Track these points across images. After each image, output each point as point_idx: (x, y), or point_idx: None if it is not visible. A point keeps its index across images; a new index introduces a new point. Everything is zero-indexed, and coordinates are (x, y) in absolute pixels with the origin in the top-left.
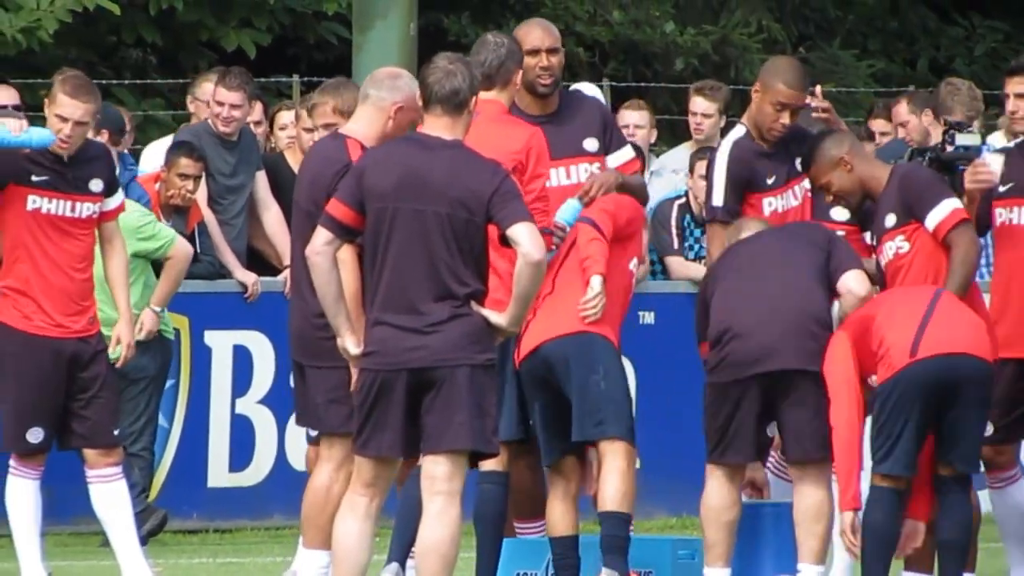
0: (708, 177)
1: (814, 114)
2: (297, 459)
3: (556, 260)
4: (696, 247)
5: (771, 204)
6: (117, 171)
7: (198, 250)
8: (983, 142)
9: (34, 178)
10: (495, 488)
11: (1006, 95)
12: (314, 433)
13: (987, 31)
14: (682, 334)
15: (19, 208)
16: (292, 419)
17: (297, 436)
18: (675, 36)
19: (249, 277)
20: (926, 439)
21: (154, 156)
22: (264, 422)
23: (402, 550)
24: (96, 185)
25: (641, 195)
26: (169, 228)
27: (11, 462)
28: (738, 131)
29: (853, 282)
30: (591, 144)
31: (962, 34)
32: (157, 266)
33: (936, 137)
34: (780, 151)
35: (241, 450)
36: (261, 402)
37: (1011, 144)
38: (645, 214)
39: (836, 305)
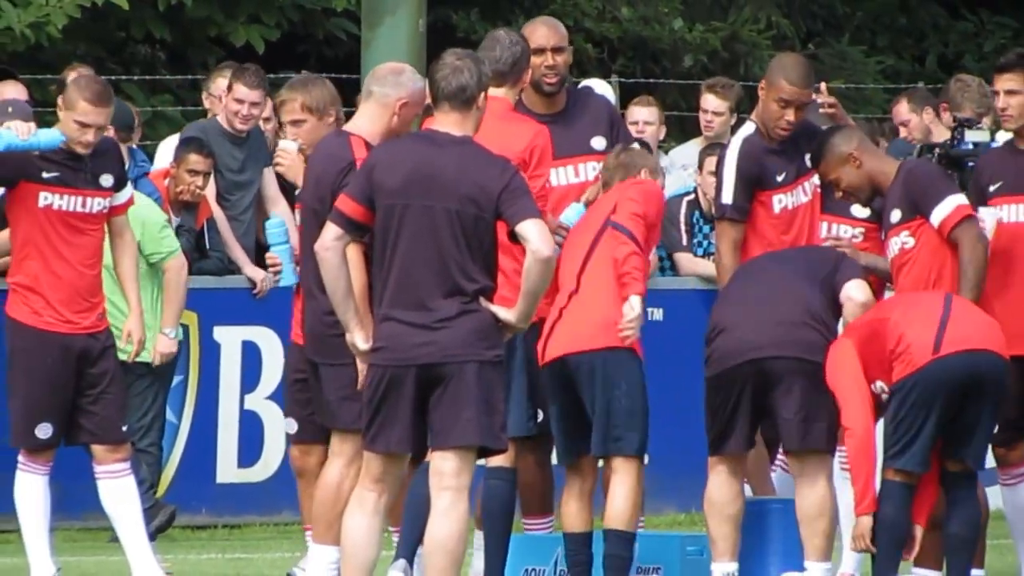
0: (718, 174)
1: (821, 110)
2: None
3: (578, 257)
4: (705, 243)
5: (781, 201)
6: (126, 165)
7: (207, 246)
8: (992, 139)
9: (45, 175)
10: (502, 484)
11: (995, 92)
12: (292, 431)
13: (996, 27)
14: (690, 330)
15: (30, 205)
16: None
17: None
18: (684, 32)
19: (258, 273)
20: (940, 436)
21: (168, 152)
22: (273, 418)
23: (410, 547)
24: (107, 180)
25: None
26: (175, 240)
27: (20, 458)
28: (748, 128)
29: (854, 290)
30: (599, 142)
31: (971, 30)
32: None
33: (938, 135)
34: (790, 148)
35: (250, 446)
36: (270, 398)
37: (1000, 142)
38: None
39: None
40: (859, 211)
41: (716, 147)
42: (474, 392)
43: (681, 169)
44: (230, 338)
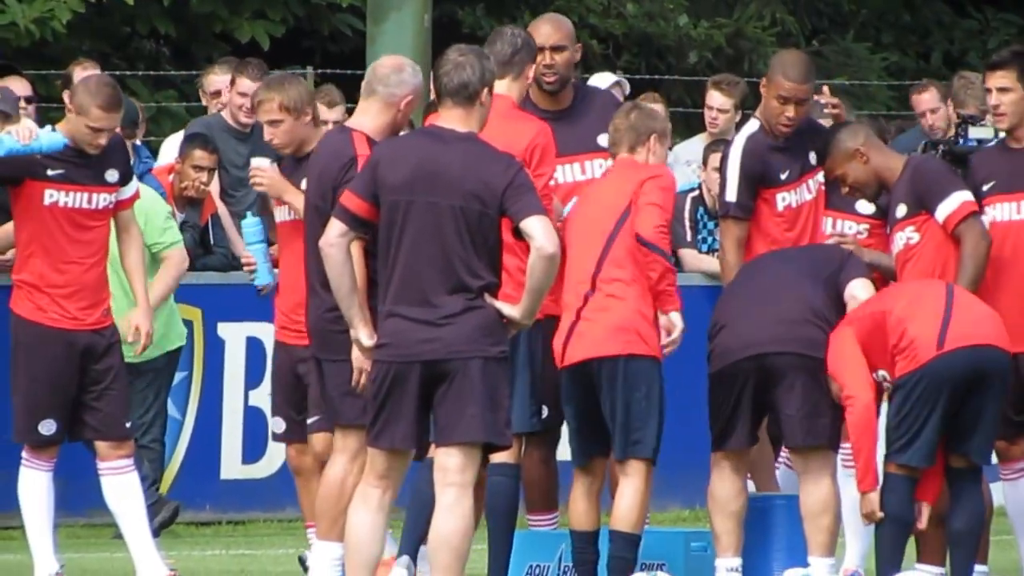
0: (722, 172)
1: (825, 110)
2: None
3: (592, 254)
4: (710, 240)
5: (784, 199)
6: (132, 160)
7: (212, 242)
8: (996, 135)
9: (50, 172)
10: (507, 480)
11: (988, 89)
12: (280, 430)
13: (1001, 24)
14: (695, 327)
15: (36, 203)
16: None
17: None
18: (689, 29)
19: None
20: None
21: (172, 149)
22: None
23: (413, 543)
24: (112, 175)
25: None
26: (178, 233)
27: (24, 454)
28: (752, 125)
29: (858, 289)
30: (605, 140)
31: (976, 27)
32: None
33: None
34: (795, 145)
35: (254, 442)
36: None
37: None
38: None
39: None
40: (864, 207)
41: (721, 143)
42: (479, 388)
43: (685, 165)
44: (234, 334)
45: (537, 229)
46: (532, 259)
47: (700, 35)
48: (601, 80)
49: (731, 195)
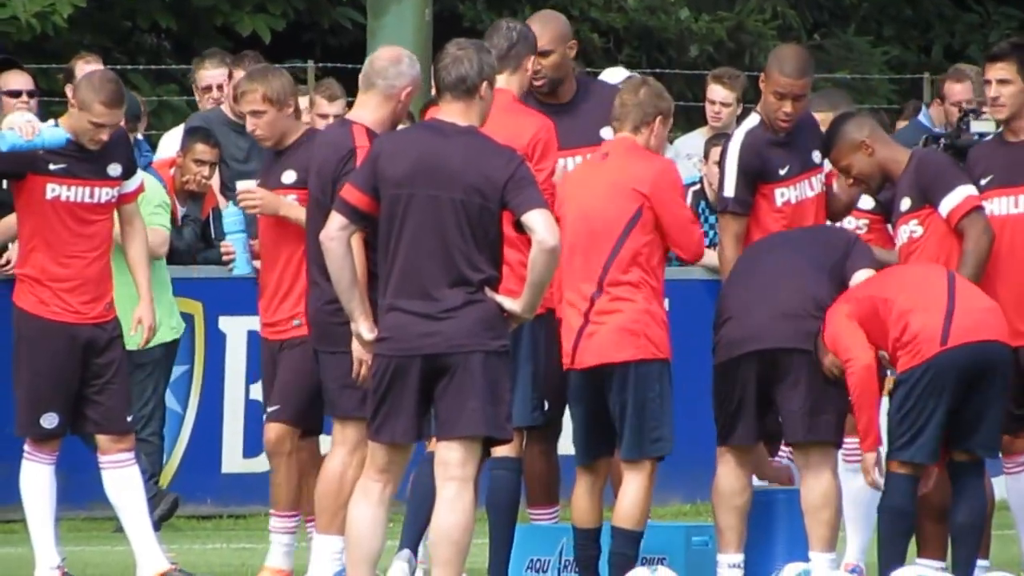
0: (720, 167)
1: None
2: None
3: (599, 254)
4: (711, 233)
5: (784, 195)
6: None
7: (212, 235)
8: (998, 128)
9: (52, 166)
10: (508, 474)
11: (987, 81)
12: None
13: (1002, 18)
14: (696, 321)
15: (38, 197)
16: None
17: None
18: (690, 22)
19: None
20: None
21: (171, 144)
22: None
23: (414, 536)
24: (114, 169)
25: None
26: (167, 220)
27: (26, 447)
28: (752, 120)
29: (862, 280)
30: (608, 133)
31: (977, 21)
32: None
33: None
34: (797, 141)
35: (255, 436)
36: None
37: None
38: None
39: None
40: (864, 202)
41: (722, 137)
42: (480, 382)
43: (686, 159)
44: (235, 328)
45: (538, 222)
46: (533, 253)
47: (701, 29)
48: (612, 75)
49: (729, 190)
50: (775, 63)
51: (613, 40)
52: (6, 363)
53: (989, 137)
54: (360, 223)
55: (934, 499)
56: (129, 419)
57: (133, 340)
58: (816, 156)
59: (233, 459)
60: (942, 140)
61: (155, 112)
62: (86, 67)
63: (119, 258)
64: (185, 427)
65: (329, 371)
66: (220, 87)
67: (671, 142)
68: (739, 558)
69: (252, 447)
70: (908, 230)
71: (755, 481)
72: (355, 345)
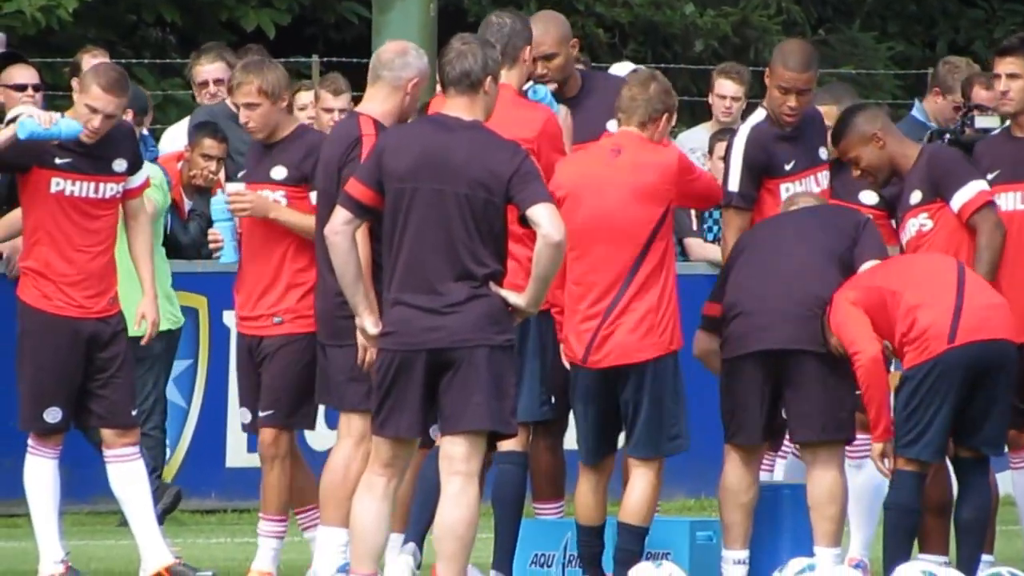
0: (725, 162)
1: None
2: (314, 439)
3: (620, 259)
4: (715, 229)
5: (788, 190)
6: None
7: None
8: (1003, 123)
9: (57, 160)
10: (514, 469)
11: (996, 75)
12: (247, 421)
13: (1007, 14)
14: (700, 316)
15: (43, 191)
16: None
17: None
18: (695, 17)
19: None
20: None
21: (173, 138)
22: None
23: (419, 531)
24: (120, 165)
25: None
26: (161, 198)
27: (29, 441)
28: (758, 115)
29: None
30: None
31: (982, 17)
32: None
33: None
34: (804, 137)
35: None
36: None
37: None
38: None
39: None
40: (867, 198)
41: (727, 132)
42: (484, 377)
43: (690, 153)
44: None
45: (544, 217)
46: (538, 247)
47: (706, 23)
48: (620, 70)
49: (734, 185)
50: (780, 58)
51: (618, 35)
52: (9, 357)
53: (994, 132)
54: (365, 217)
55: (933, 494)
56: (134, 413)
57: (137, 331)
58: (823, 153)
59: (237, 453)
60: (946, 135)
61: (160, 106)
62: (93, 60)
63: (122, 252)
64: (189, 421)
65: (336, 364)
66: (218, 82)
67: (674, 136)
68: (744, 554)
69: (256, 442)
70: (917, 224)
71: (761, 476)
72: (360, 339)
